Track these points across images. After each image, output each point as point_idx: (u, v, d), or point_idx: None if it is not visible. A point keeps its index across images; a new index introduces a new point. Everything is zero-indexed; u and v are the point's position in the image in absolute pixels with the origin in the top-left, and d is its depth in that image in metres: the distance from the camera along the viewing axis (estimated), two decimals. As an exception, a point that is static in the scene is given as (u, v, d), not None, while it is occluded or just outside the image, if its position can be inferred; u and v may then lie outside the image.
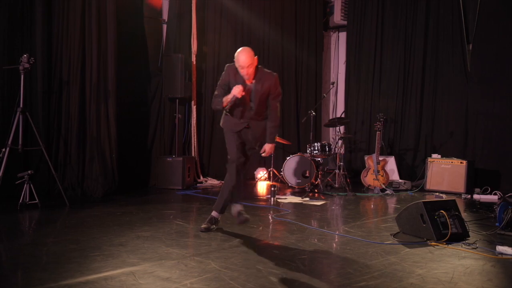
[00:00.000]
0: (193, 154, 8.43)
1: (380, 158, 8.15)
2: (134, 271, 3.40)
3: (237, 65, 4.51)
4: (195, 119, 8.49)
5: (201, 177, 8.48)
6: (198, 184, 8.19)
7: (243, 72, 4.49)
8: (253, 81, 4.56)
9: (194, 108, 8.48)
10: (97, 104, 6.84)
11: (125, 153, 7.36)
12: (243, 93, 4.45)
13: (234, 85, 4.47)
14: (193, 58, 8.41)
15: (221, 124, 4.91)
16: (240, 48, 4.58)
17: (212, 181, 8.45)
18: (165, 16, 8.35)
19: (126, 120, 7.44)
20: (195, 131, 8.50)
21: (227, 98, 4.50)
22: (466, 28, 8.68)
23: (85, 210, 5.67)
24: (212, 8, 8.84)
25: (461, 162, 7.95)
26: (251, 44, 9.38)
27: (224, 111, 4.70)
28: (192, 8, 8.36)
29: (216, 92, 4.66)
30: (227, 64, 4.71)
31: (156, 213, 5.63)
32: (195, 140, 8.50)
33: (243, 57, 4.47)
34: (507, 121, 8.14)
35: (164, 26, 8.33)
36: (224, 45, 9.01)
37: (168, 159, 7.71)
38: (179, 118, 8.11)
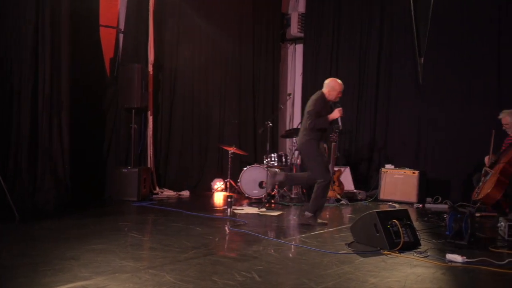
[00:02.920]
0: (149, 165, 8.32)
1: (336, 169, 8.27)
2: (86, 286, 3.32)
3: (337, 92, 5.92)
4: (151, 129, 8.40)
5: (157, 188, 8.37)
6: (154, 196, 8.08)
7: (339, 95, 5.91)
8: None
9: (150, 118, 8.39)
10: (50, 115, 6.62)
11: (79, 164, 7.18)
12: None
13: (325, 112, 5.83)
14: (150, 68, 8.32)
15: (303, 143, 5.94)
16: (334, 79, 6.04)
17: (168, 192, 8.36)
18: (121, 25, 8.25)
19: (80, 131, 7.26)
20: (151, 141, 8.40)
21: (333, 116, 5.81)
22: (418, 42, 8.94)
23: (36, 223, 5.50)
24: (170, 18, 8.79)
25: (413, 172, 8.16)
26: (210, 54, 9.40)
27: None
28: (149, 18, 8.30)
29: (312, 119, 5.81)
30: (319, 98, 5.94)
31: (110, 225, 5.52)
32: (151, 151, 8.40)
33: (342, 85, 5.98)
34: (456, 132, 8.39)
35: (121, 35, 8.23)
36: (181, 55, 8.97)
37: (123, 170, 7.59)
38: (135, 128, 8.02)
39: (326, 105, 5.92)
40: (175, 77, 8.90)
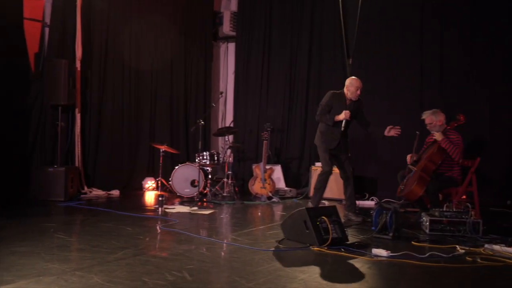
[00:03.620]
0: (76, 164, 8.08)
1: (267, 167, 8.36)
2: (9, 290, 3.19)
3: (354, 87, 6.16)
4: (79, 127, 8.14)
5: (86, 188, 8.14)
6: (82, 195, 7.85)
7: (357, 92, 6.16)
8: (351, 103, 6.23)
9: (78, 116, 8.13)
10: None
11: (1, 163, 6.85)
12: (349, 116, 6.10)
13: (337, 107, 6.17)
14: (78, 64, 8.07)
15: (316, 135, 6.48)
16: (355, 77, 6.29)
17: (97, 192, 8.14)
18: (47, 18, 7.93)
19: (2, 128, 6.93)
20: (79, 140, 8.15)
21: (338, 118, 6.14)
22: (347, 43, 9.18)
23: (-47, 226, 5.21)
24: (99, 13, 8.55)
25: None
26: (141, 51, 9.23)
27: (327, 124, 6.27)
28: (77, 12, 8.04)
29: (320, 111, 6.29)
30: (331, 91, 6.33)
31: (34, 226, 5.30)
32: (79, 149, 8.15)
33: (360, 82, 6.20)
34: (380, 131, 8.66)
35: (47, 29, 7.92)
36: (111, 51, 8.76)
37: (49, 169, 7.32)
38: (62, 126, 7.75)
39: (337, 101, 6.23)
40: (104, 74, 8.68)
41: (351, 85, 6.21)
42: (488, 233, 5.29)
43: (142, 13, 9.24)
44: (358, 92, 6.17)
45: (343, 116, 6.12)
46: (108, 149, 8.77)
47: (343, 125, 6.16)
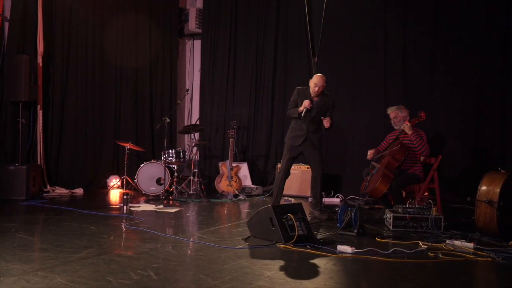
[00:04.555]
0: (39, 162, 7.90)
1: (234, 165, 8.36)
2: (-33, 292, 3.10)
3: (312, 83, 6.30)
4: (41, 124, 7.97)
5: (48, 186, 7.98)
6: (44, 194, 7.70)
7: (315, 89, 6.26)
8: (318, 99, 6.33)
9: (40, 113, 7.96)
10: None
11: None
12: (311, 105, 6.21)
13: (303, 101, 6.25)
14: (39, 59, 7.89)
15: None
16: (319, 74, 6.41)
17: (60, 190, 7.99)
18: (7, 12, 7.72)
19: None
20: (41, 137, 7.97)
21: (300, 109, 6.25)
22: (312, 41, 9.24)
23: None
24: (61, 6, 8.37)
25: (308, 168, 8.41)
26: (104, 47, 9.09)
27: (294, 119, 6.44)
28: (38, 6, 7.85)
29: (289, 107, 6.48)
30: (298, 87, 6.52)
31: (-5, 226, 5.18)
32: (41, 147, 7.98)
33: (319, 79, 6.30)
34: (345, 129, 8.80)
35: (6, 24, 7.71)
36: (74, 46, 8.60)
37: (10, 167, 7.14)
38: (23, 123, 7.57)
39: (303, 96, 6.34)
40: (67, 69, 8.51)
41: (311, 81, 6.38)
42: (449, 229, 5.43)
43: (106, 8, 9.10)
44: (316, 88, 6.26)
45: (303, 106, 6.24)
46: (72, 147, 8.61)
47: (302, 114, 6.26)
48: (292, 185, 8.39)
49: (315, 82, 6.30)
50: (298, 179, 8.43)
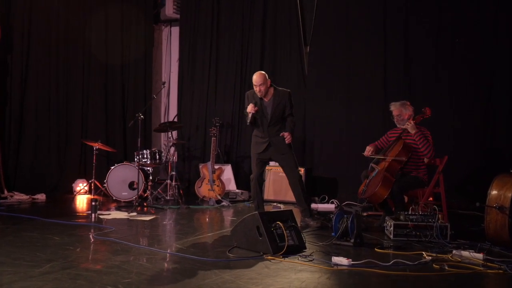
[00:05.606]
0: (-5, 164, 7.86)
1: (216, 167, 8.35)
2: None
3: (253, 83, 6.25)
4: (-3, 122, 7.92)
5: (6, 192, 7.90)
6: (1, 201, 7.62)
7: (256, 89, 6.24)
8: (270, 98, 6.32)
9: (-4, 109, 7.91)
10: None
11: None
12: (256, 109, 6.21)
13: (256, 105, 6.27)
14: (-5, 49, 7.85)
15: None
16: (257, 72, 6.36)
17: (19, 196, 7.91)
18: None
19: None
20: (-3, 137, 7.93)
21: (248, 116, 6.26)
22: (304, 29, 9.25)
23: None
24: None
25: (299, 170, 8.44)
26: (70, 36, 9.03)
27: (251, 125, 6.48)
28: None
29: (245, 115, 6.45)
30: (247, 92, 6.56)
31: None
32: (-2, 147, 7.93)
33: (255, 77, 6.25)
34: (342, 127, 8.82)
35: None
36: (35, 36, 8.52)
37: (-38, 170, 7.09)
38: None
39: (252, 99, 6.33)
40: (27, 61, 8.46)
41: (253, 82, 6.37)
42: (456, 238, 5.46)
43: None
44: (257, 89, 6.25)
45: (248, 111, 6.27)
46: (33, 147, 8.55)
47: (248, 120, 6.27)
48: (282, 189, 8.41)
49: (254, 82, 6.27)
50: (287, 183, 8.42)
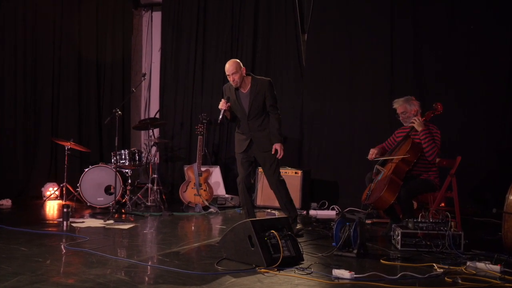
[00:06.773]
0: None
1: (203, 169, 8.35)
2: None
3: (226, 72, 6.15)
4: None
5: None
6: (-39, 207, 7.65)
7: (230, 79, 6.15)
8: (248, 89, 6.23)
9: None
10: None
11: None
12: (229, 104, 6.18)
13: (232, 98, 6.23)
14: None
15: None
16: (230, 60, 6.26)
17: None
18: None
19: None
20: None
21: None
22: (301, 15, 9.25)
23: None
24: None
25: (295, 173, 8.46)
26: (39, 23, 9.02)
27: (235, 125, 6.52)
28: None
29: None
30: (224, 85, 6.47)
31: None
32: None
33: (227, 66, 6.16)
34: (343, 125, 8.82)
35: None
36: (9, 24, 8.53)
37: None
38: None
39: (229, 93, 6.29)
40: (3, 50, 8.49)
41: None
42: (470, 249, 5.47)
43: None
44: (230, 78, 6.15)
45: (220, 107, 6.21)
46: (7, 149, 8.56)
47: (219, 118, 6.22)
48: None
49: (226, 71, 6.18)
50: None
